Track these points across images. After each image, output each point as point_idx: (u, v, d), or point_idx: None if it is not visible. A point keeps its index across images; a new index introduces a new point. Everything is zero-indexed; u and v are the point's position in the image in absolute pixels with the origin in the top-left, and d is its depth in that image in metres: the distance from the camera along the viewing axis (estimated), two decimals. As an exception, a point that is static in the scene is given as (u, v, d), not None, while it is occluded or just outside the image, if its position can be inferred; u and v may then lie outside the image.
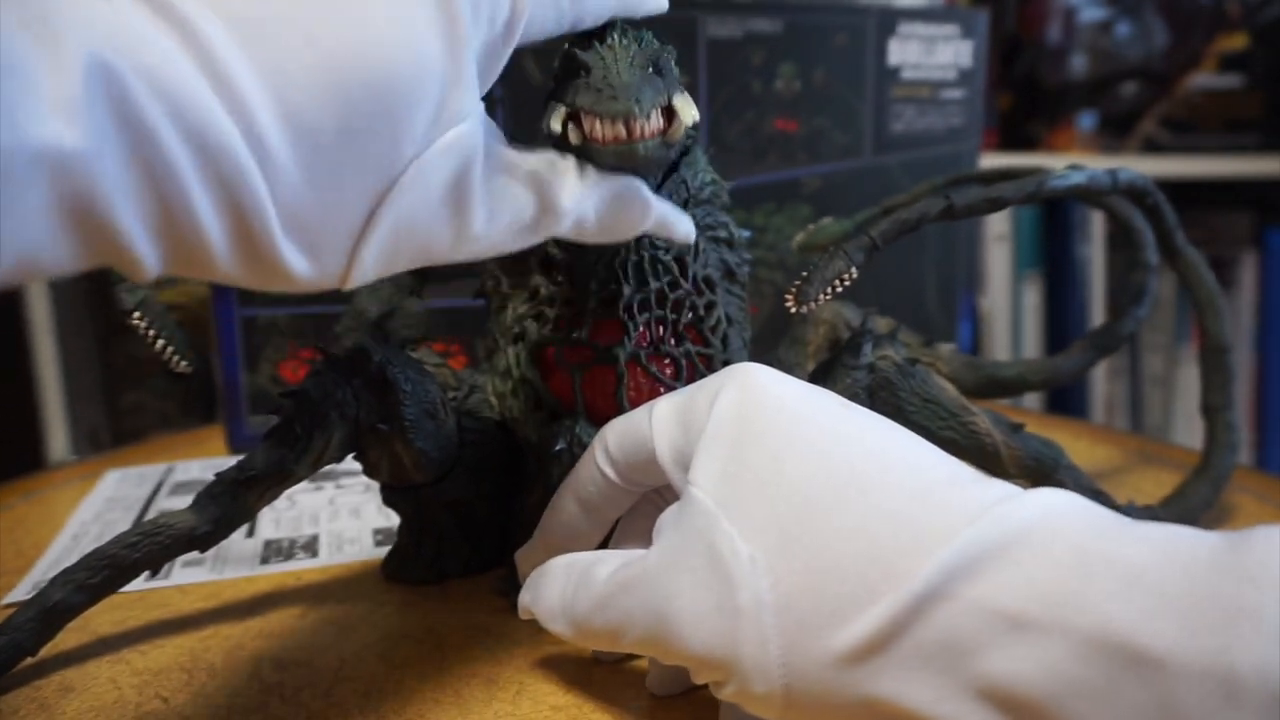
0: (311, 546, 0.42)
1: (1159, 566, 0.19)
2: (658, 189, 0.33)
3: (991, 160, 1.04)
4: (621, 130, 0.27)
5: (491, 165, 0.25)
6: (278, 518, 0.46)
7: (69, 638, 0.33)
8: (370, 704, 0.29)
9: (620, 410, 0.35)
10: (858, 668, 0.21)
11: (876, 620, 0.21)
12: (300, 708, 0.29)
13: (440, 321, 0.55)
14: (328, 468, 0.34)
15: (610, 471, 0.29)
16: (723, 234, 0.38)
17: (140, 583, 0.38)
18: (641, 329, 0.35)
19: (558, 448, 0.35)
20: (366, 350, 0.33)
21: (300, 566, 0.40)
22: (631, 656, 0.32)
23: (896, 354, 0.35)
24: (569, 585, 0.27)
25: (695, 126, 0.30)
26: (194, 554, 0.41)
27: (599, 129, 0.27)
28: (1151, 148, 1.22)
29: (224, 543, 0.43)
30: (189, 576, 0.39)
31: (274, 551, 0.42)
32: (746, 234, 0.39)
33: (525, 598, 0.29)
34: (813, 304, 0.33)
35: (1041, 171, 0.37)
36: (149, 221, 0.20)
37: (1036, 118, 1.28)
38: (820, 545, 0.22)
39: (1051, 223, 1.17)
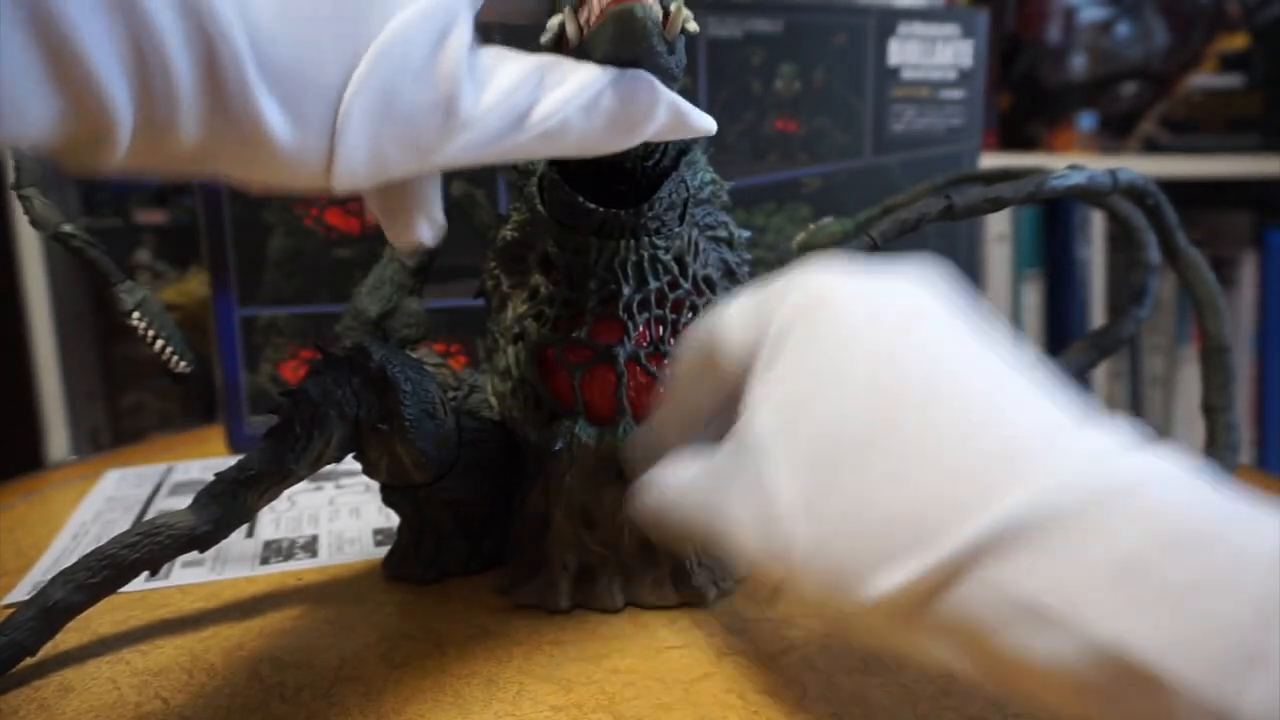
0: (311, 546, 0.42)
1: (1205, 589, 0.18)
2: (657, 186, 0.33)
3: (991, 160, 1.04)
4: None
5: (481, 49, 0.24)
6: (278, 518, 0.46)
7: (69, 638, 0.33)
8: (370, 704, 0.29)
9: (620, 410, 0.35)
10: (881, 619, 0.21)
11: (898, 582, 0.21)
12: (300, 708, 0.29)
13: (440, 321, 0.55)
14: (328, 468, 0.34)
15: (698, 361, 0.29)
16: (723, 234, 0.38)
17: (140, 583, 0.38)
18: (641, 329, 0.35)
19: (556, 447, 0.35)
20: (366, 349, 0.33)
21: (300, 566, 0.40)
22: (621, 658, 0.32)
23: None
24: (662, 487, 0.28)
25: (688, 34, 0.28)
26: (194, 554, 0.41)
27: (595, 4, 0.26)
28: (1151, 148, 1.22)
29: (224, 543, 0.43)
30: (189, 576, 0.39)
31: (274, 551, 0.42)
32: (746, 234, 0.39)
33: (644, 499, 0.29)
34: None
35: (1041, 171, 0.37)
36: (118, 54, 0.19)
37: (1036, 118, 1.28)
38: (855, 492, 0.22)
39: (1051, 223, 1.17)
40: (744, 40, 0.60)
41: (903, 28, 0.62)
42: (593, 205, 0.33)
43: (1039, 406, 0.22)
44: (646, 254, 0.34)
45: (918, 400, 0.22)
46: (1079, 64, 1.26)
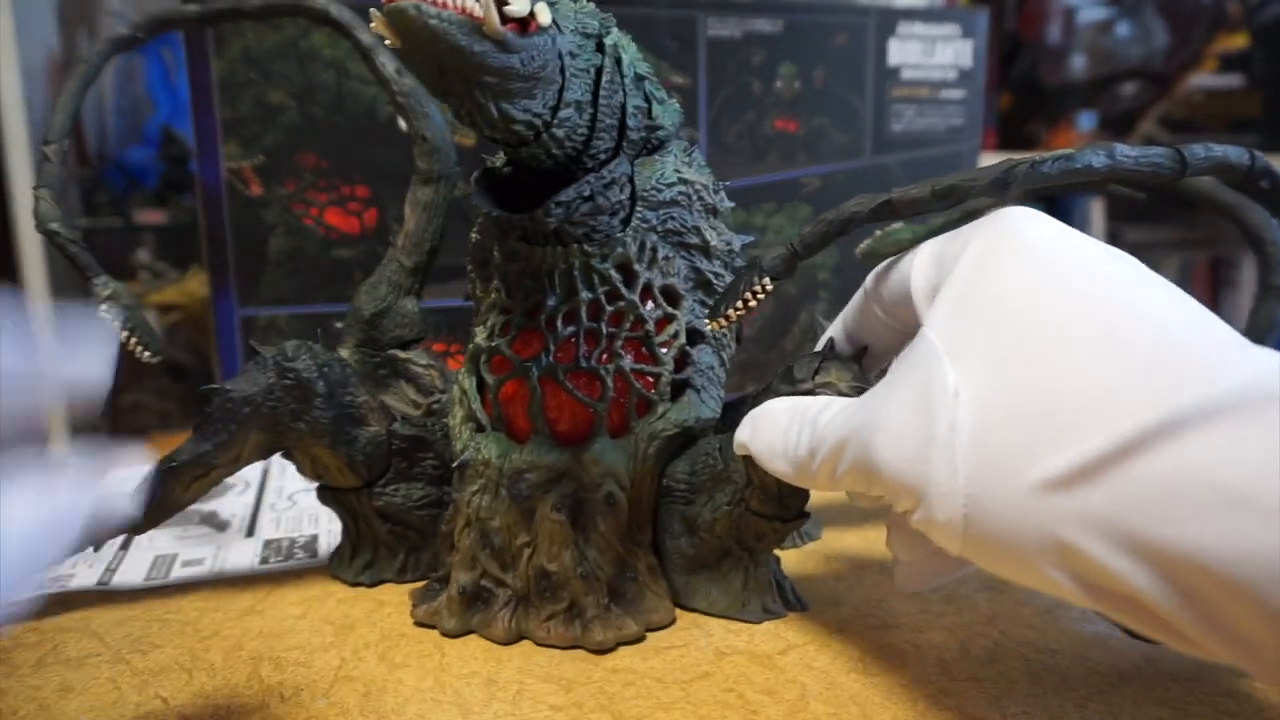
0: (311, 546, 0.42)
1: None
2: (558, 186, 0.30)
3: (991, 160, 1.04)
4: None
5: None
6: (278, 518, 0.46)
7: (69, 638, 0.33)
8: (370, 704, 0.29)
9: (536, 428, 0.33)
10: (1042, 506, 0.20)
11: (1073, 460, 0.20)
12: (300, 708, 0.29)
13: (440, 321, 0.55)
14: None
15: (875, 305, 0.30)
16: (693, 240, 0.34)
17: (140, 582, 0.38)
18: (567, 342, 0.32)
19: (459, 462, 0.34)
20: (285, 350, 0.34)
21: (300, 566, 0.40)
22: (621, 658, 0.32)
23: (845, 380, 0.30)
24: (793, 427, 0.28)
25: (552, 28, 0.27)
26: (194, 554, 0.41)
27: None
28: (1151, 148, 1.21)
29: (224, 543, 0.43)
30: (189, 576, 0.39)
31: (274, 551, 0.42)
32: (745, 239, 0.36)
33: (743, 434, 0.30)
34: (722, 320, 0.31)
35: (1012, 160, 0.35)
36: None
37: (1036, 118, 1.28)
38: (1030, 378, 0.22)
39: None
40: (744, 40, 0.60)
41: (903, 28, 0.62)
42: (488, 207, 0.31)
43: (1208, 319, 0.22)
44: (577, 261, 0.32)
45: (1106, 308, 0.22)
46: (1079, 64, 1.26)
